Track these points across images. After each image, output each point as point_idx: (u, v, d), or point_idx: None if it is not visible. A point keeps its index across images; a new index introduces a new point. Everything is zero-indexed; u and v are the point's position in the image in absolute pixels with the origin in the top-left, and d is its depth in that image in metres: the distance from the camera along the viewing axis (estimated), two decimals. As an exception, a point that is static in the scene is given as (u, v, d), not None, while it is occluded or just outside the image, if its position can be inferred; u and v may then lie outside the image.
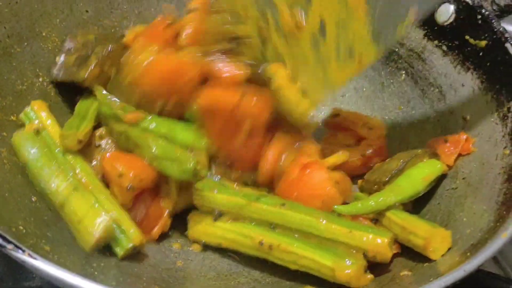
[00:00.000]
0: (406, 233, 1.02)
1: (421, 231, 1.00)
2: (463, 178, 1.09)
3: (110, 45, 1.20)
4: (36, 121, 1.12)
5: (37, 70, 1.19)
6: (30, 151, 1.09)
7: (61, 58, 1.21)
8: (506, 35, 1.12)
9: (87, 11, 1.28)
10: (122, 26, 1.33)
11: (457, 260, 0.89)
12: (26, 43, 1.18)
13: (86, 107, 1.17)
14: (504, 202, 0.97)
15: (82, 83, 1.18)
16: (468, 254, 0.88)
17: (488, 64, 1.14)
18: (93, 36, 1.23)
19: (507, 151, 1.04)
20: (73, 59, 1.20)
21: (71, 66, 1.19)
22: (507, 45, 1.11)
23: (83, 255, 0.98)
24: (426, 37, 1.25)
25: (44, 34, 1.21)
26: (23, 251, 0.77)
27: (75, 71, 1.18)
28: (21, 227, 0.94)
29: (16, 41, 1.16)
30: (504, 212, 0.94)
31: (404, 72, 1.30)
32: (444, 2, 1.20)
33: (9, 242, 0.77)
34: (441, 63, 1.23)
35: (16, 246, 0.77)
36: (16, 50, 1.16)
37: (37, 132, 1.12)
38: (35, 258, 0.76)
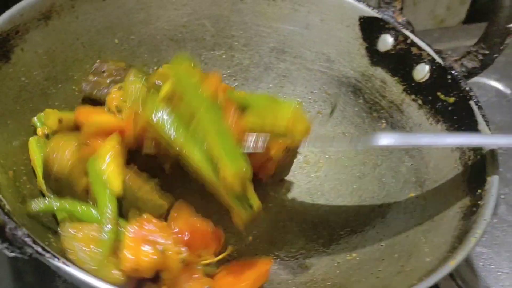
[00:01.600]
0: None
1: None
2: (429, 215, 1.25)
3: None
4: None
5: (69, 109, 1.35)
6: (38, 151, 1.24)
7: (94, 78, 1.37)
8: (471, 93, 1.29)
9: (112, 58, 1.44)
10: (143, 72, 1.49)
11: (414, 283, 1.04)
12: (60, 85, 1.36)
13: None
14: (458, 236, 1.12)
15: None
16: (423, 278, 1.04)
17: (455, 118, 1.30)
18: (123, 64, 1.40)
19: (465, 193, 1.22)
20: (107, 82, 1.36)
21: (104, 87, 1.36)
22: (471, 102, 1.27)
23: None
24: (404, 92, 1.41)
25: (75, 77, 1.39)
26: (59, 259, 0.95)
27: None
28: (53, 243, 1.13)
29: (52, 83, 1.34)
30: (457, 244, 1.09)
31: (384, 121, 1.45)
32: (421, 62, 1.39)
33: (47, 251, 0.95)
34: (416, 115, 1.38)
35: (52, 255, 0.95)
36: (52, 91, 1.34)
37: (47, 136, 1.26)
38: (68, 265, 0.94)
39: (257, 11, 1.55)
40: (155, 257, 1.07)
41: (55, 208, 1.16)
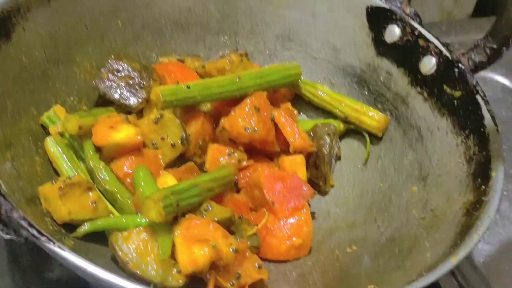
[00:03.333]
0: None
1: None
2: (431, 210, 1.24)
3: (153, 83, 1.38)
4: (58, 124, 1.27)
5: (69, 90, 1.36)
6: (58, 151, 1.25)
7: (109, 75, 1.36)
8: (478, 88, 1.27)
9: (115, 41, 1.44)
10: (146, 56, 1.49)
11: (414, 279, 1.03)
12: (61, 67, 1.34)
13: (100, 111, 1.31)
14: (460, 233, 1.11)
15: (131, 109, 1.35)
16: (423, 273, 1.03)
17: (460, 112, 1.29)
18: (138, 66, 1.39)
19: (469, 189, 1.20)
20: (124, 82, 1.36)
21: (121, 89, 1.35)
22: (477, 97, 1.26)
23: (102, 252, 1.14)
24: (410, 84, 1.40)
25: (77, 59, 1.38)
26: (54, 243, 0.93)
27: (128, 96, 1.35)
28: (50, 226, 1.11)
29: (53, 64, 1.33)
30: (459, 241, 1.08)
31: (389, 113, 1.44)
32: (428, 55, 1.37)
33: (42, 235, 0.94)
34: (421, 108, 1.37)
35: (48, 238, 0.94)
36: (53, 73, 1.33)
37: (62, 134, 1.26)
38: (63, 250, 0.93)
39: (263, -4, 1.53)
40: (209, 255, 1.08)
41: (100, 224, 1.16)
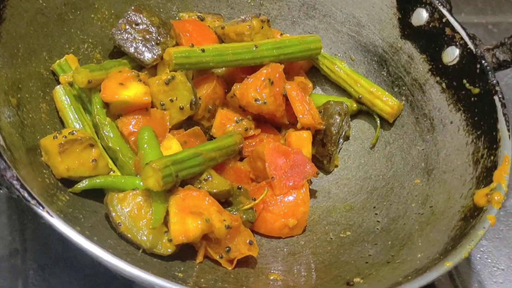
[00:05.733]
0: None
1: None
2: (430, 206, 1.23)
3: (170, 40, 1.35)
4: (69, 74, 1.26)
5: (84, 37, 1.34)
6: (66, 101, 1.25)
7: (126, 27, 1.33)
8: (497, 88, 1.24)
9: (137, -10, 1.42)
10: (166, 8, 1.47)
11: (400, 281, 1.02)
12: (79, 12, 1.33)
13: (112, 64, 1.30)
14: (454, 238, 1.09)
15: (144, 64, 1.33)
16: (409, 277, 1.03)
17: (476, 110, 1.26)
18: (157, 20, 1.36)
19: (471, 193, 1.18)
20: (140, 36, 1.33)
21: (137, 42, 1.33)
22: (495, 98, 1.23)
23: (96, 209, 1.15)
24: (430, 72, 1.37)
25: (96, 6, 1.36)
26: (43, 207, 0.94)
27: (143, 51, 1.32)
28: (47, 179, 1.12)
29: (70, 9, 1.31)
30: (450, 248, 1.07)
31: (405, 98, 1.41)
32: (452, 45, 1.33)
33: (33, 198, 0.94)
34: (438, 98, 1.34)
35: (38, 202, 0.94)
36: (69, 17, 1.31)
37: (71, 84, 1.26)
38: (51, 216, 0.93)
39: (292, -41, 1.49)
40: (202, 228, 1.09)
41: (99, 182, 1.16)
